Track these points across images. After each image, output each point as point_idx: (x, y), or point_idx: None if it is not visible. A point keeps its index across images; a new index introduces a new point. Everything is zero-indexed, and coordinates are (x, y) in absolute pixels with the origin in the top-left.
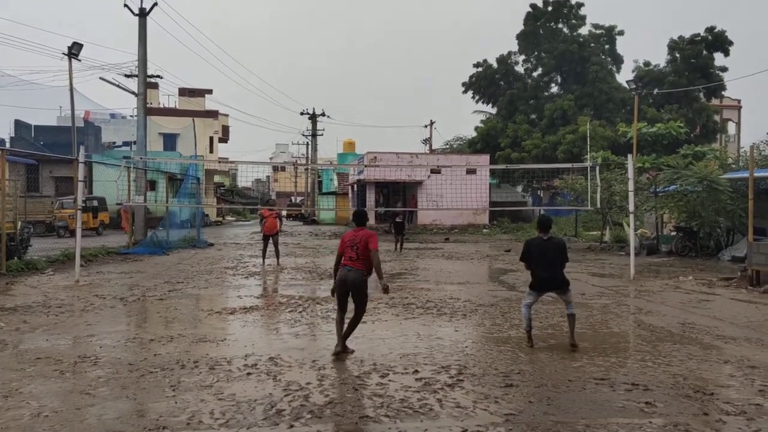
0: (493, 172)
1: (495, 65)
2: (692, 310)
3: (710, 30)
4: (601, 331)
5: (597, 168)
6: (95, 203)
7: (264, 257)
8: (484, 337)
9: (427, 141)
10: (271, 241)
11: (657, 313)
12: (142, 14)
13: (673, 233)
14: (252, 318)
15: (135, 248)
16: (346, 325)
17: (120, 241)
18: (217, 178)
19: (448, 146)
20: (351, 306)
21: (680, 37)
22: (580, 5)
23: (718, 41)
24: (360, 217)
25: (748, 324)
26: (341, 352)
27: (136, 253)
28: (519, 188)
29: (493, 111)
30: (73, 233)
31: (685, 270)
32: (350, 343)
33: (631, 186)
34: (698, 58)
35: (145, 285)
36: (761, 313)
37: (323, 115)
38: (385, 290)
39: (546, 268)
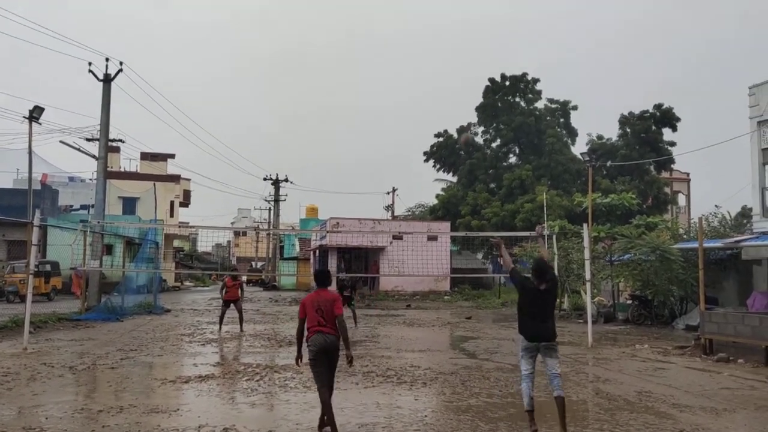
0: (454, 239)
1: (455, 135)
2: (649, 379)
3: (658, 107)
4: None
5: (554, 237)
6: (48, 267)
7: (221, 323)
8: (444, 406)
9: (390, 207)
10: (233, 307)
11: (615, 381)
12: (107, 80)
13: (629, 301)
14: (207, 387)
15: (87, 314)
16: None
17: (72, 307)
18: (176, 243)
19: (410, 213)
20: None
21: (630, 113)
22: (536, 81)
23: (666, 117)
24: (323, 278)
25: (703, 392)
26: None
27: (89, 319)
28: (479, 255)
29: (454, 179)
30: (23, 298)
31: (641, 338)
32: (307, 413)
33: (587, 255)
34: (648, 132)
35: (97, 353)
36: (715, 381)
37: (286, 180)
38: (350, 362)
39: (537, 318)
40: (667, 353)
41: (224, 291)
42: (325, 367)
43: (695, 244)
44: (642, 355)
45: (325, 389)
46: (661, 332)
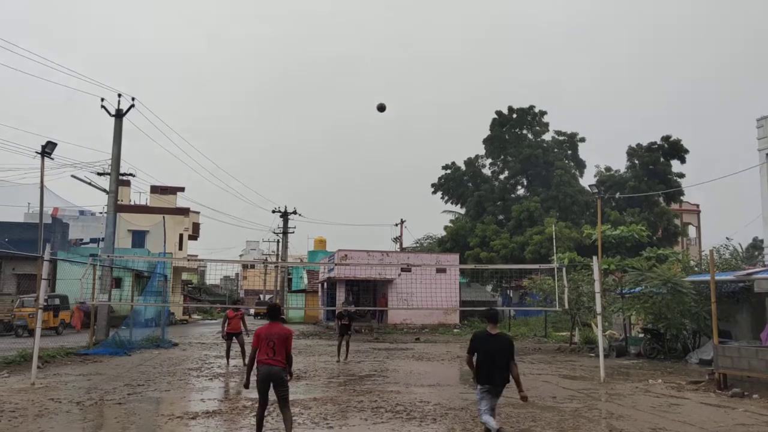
0: (462, 272)
1: (463, 167)
2: (663, 415)
3: (666, 138)
4: None
5: (564, 269)
6: (57, 301)
7: (228, 357)
8: None
9: (398, 239)
10: (235, 340)
11: (628, 418)
12: (119, 115)
13: (641, 335)
14: (214, 423)
15: (96, 348)
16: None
17: (80, 341)
18: (185, 276)
19: (418, 245)
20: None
21: (638, 145)
22: (543, 113)
23: (674, 149)
24: (274, 312)
25: (717, 429)
26: None
27: (97, 353)
28: (489, 287)
29: (462, 211)
30: (32, 333)
31: (654, 373)
32: None
33: (597, 287)
34: (656, 164)
35: (104, 388)
36: (730, 417)
37: (295, 213)
38: (290, 376)
39: (488, 365)
40: (681, 388)
41: (226, 324)
42: (264, 390)
43: (707, 277)
44: (656, 390)
45: (262, 409)
46: (675, 366)
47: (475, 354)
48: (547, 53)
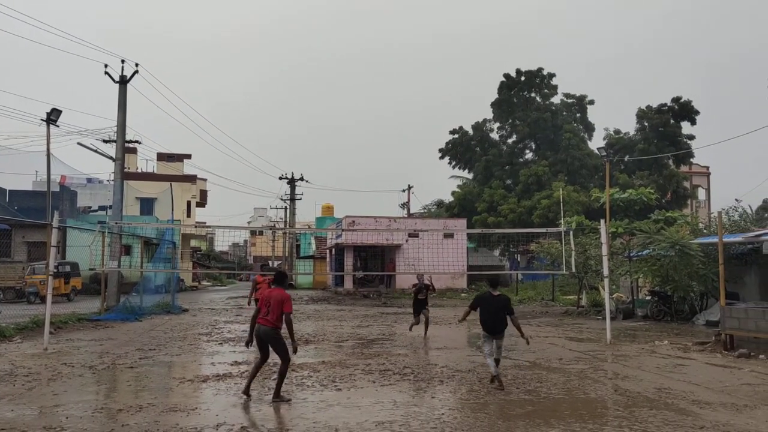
0: (470, 237)
1: (470, 132)
2: (668, 375)
3: (676, 100)
4: (578, 396)
5: (571, 233)
6: (67, 268)
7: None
8: (461, 404)
9: (405, 205)
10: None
11: (634, 378)
12: (123, 82)
13: (648, 297)
14: (225, 386)
15: (107, 314)
16: (277, 376)
17: (91, 307)
18: (193, 243)
19: (426, 210)
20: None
21: (648, 107)
22: (551, 75)
23: (685, 111)
24: (280, 278)
25: (723, 389)
26: (273, 400)
27: (108, 319)
28: (496, 252)
29: (470, 176)
30: (44, 299)
31: (661, 334)
32: (323, 411)
33: (605, 251)
34: (666, 126)
35: (116, 352)
36: (735, 377)
37: (302, 179)
38: (294, 350)
39: (491, 318)
40: (687, 349)
41: (256, 289)
42: (260, 346)
43: (715, 239)
44: (661, 351)
45: (260, 362)
46: (681, 328)
47: (479, 309)
48: (569, 20)
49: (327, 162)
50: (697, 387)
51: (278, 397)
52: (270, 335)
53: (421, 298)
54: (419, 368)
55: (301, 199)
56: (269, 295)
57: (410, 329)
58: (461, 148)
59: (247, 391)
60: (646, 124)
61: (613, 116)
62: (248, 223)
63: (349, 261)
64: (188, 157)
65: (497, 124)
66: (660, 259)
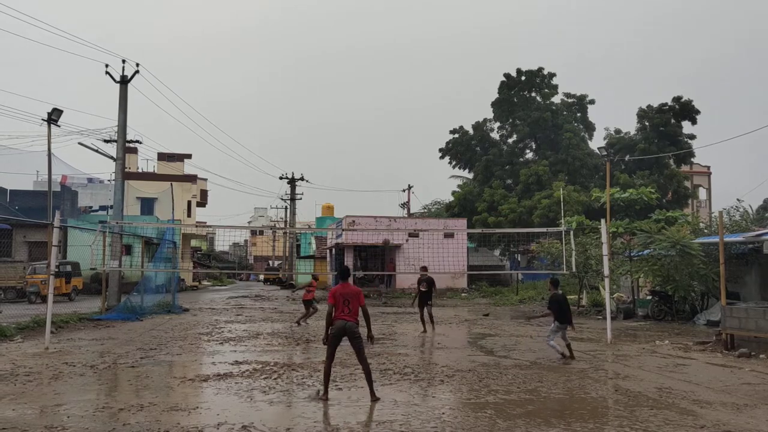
0: (470, 236)
1: (471, 132)
2: (669, 375)
3: (677, 99)
4: (579, 396)
5: (572, 232)
6: (68, 268)
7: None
8: (461, 404)
9: (406, 205)
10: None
11: (634, 378)
12: (123, 82)
13: (649, 297)
14: (226, 385)
15: (108, 314)
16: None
17: (92, 307)
18: (194, 243)
19: (426, 210)
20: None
21: (648, 106)
22: (552, 75)
23: (685, 110)
24: (345, 273)
25: (724, 388)
26: (372, 400)
27: (109, 319)
28: (497, 252)
29: (470, 176)
30: (45, 299)
31: (662, 334)
32: (324, 411)
33: (605, 250)
34: (667, 126)
35: (117, 352)
36: (736, 377)
37: (302, 179)
38: (372, 340)
39: (569, 311)
40: (687, 349)
41: (309, 291)
42: (335, 344)
43: (716, 239)
44: (662, 351)
45: (329, 362)
46: (682, 328)
47: (557, 308)
48: (564, 20)
49: (327, 162)
50: (697, 386)
51: (376, 397)
52: (354, 330)
53: (424, 290)
54: (420, 368)
55: (301, 198)
56: (344, 291)
57: (424, 330)
58: (461, 148)
59: (326, 395)
60: (647, 123)
61: (613, 116)
62: (249, 222)
63: (349, 261)
64: (189, 156)
65: (497, 124)
66: (661, 258)
